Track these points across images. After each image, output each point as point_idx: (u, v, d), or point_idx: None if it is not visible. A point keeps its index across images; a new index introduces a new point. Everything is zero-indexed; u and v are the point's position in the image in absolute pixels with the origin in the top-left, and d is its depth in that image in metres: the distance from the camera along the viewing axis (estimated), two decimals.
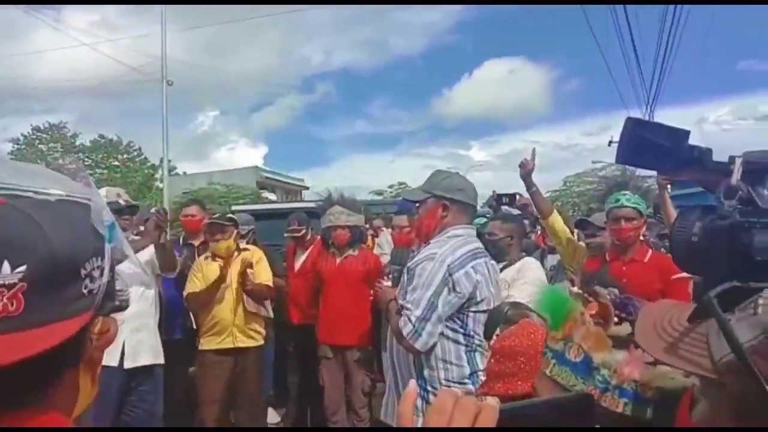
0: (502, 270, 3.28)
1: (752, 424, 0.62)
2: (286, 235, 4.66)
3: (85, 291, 0.61)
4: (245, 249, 4.03)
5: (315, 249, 4.51)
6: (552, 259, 4.70)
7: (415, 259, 2.29)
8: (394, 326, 2.24)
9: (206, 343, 3.83)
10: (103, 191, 3.28)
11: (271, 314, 4.09)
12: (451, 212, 2.34)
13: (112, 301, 0.67)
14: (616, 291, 1.15)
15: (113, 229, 0.68)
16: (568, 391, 1.00)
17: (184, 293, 3.83)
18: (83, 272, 0.61)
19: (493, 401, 0.58)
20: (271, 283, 3.98)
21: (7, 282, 0.55)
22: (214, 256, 3.86)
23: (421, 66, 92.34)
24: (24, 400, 0.59)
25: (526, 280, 3.16)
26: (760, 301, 0.61)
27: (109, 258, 0.65)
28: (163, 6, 16.83)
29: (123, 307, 0.70)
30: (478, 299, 2.22)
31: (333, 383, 4.06)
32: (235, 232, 3.97)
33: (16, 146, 31.73)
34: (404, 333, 2.14)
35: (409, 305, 2.16)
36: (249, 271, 3.77)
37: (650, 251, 3.12)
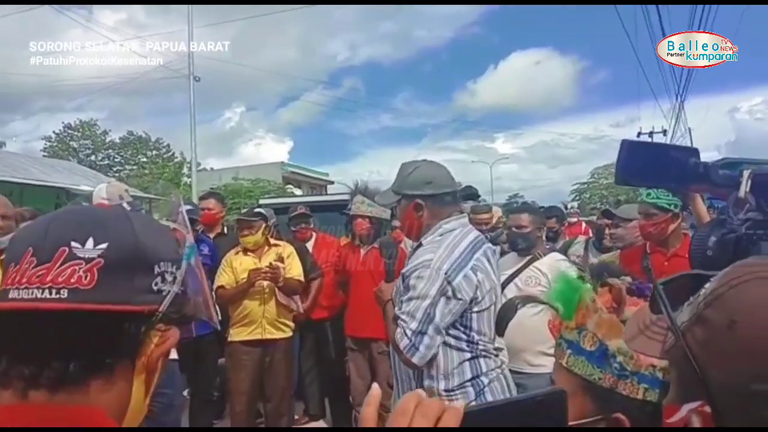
0: (528, 263, 3.28)
1: (689, 402, 0.64)
2: (292, 215, 4.75)
3: (155, 287, 0.64)
4: (276, 244, 4.07)
5: (317, 244, 4.64)
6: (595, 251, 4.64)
7: (410, 265, 2.07)
8: (391, 336, 2.07)
9: (235, 335, 3.89)
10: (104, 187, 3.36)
11: (301, 309, 4.08)
12: (426, 209, 2.11)
13: (176, 314, 0.69)
14: (628, 279, 1.13)
15: (193, 251, 0.74)
16: (586, 381, 0.99)
17: (214, 286, 3.88)
18: (156, 269, 0.65)
19: (459, 403, 0.57)
20: (302, 278, 4.02)
21: (86, 256, 0.60)
22: (245, 251, 3.94)
23: (446, 58, 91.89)
24: (74, 379, 0.60)
25: None
26: (706, 285, 0.63)
27: (183, 272, 0.68)
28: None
29: (185, 320, 0.73)
30: (479, 298, 2.06)
31: (359, 374, 4.10)
32: (264, 225, 4.00)
33: (48, 143, 32.74)
34: (401, 347, 1.98)
35: (404, 316, 1.98)
36: (280, 265, 3.82)
37: None
